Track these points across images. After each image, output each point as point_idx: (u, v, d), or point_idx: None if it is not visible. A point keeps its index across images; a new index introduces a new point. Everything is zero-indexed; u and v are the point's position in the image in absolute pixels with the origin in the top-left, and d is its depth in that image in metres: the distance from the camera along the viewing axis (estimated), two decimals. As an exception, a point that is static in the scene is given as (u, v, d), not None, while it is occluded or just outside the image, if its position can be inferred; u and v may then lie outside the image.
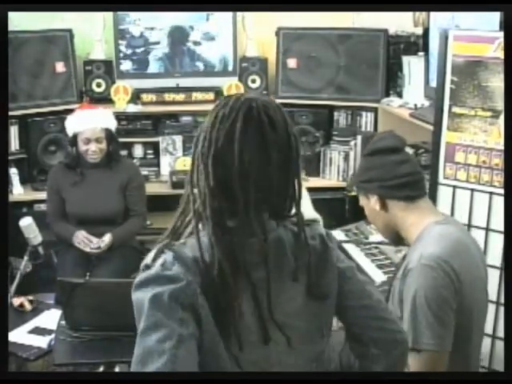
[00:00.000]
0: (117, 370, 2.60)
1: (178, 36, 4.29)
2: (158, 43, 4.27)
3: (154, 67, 4.32)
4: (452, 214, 2.83)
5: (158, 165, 4.39)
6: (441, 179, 2.89)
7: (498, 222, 2.68)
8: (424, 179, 2.15)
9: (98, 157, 3.57)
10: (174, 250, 1.34)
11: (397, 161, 2.05)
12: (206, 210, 1.34)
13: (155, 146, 4.38)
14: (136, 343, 1.27)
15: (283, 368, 1.42)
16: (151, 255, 1.34)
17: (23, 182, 4.09)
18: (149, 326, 1.26)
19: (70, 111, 3.75)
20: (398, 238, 2.13)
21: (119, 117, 4.02)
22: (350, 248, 3.32)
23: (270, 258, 1.37)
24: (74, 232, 3.52)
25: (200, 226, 1.37)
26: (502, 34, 2.63)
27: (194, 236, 1.35)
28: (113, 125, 3.65)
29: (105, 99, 4.18)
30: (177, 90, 4.28)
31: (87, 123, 3.54)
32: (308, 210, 3.38)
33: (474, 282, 2.01)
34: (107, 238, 3.51)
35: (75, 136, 3.56)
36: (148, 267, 1.32)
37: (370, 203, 2.09)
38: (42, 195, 3.85)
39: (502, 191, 2.63)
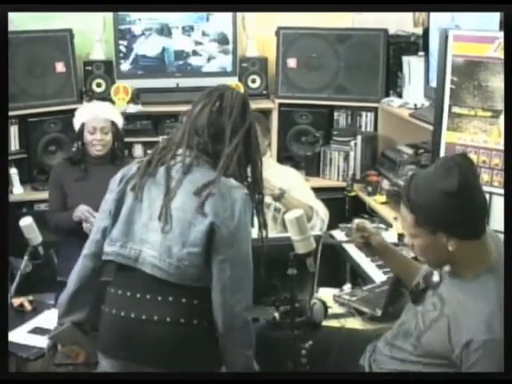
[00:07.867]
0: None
1: (178, 36, 4.29)
2: (157, 43, 4.27)
3: (154, 67, 4.31)
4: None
5: (157, 165, 4.38)
6: (441, 179, 2.89)
7: (498, 222, 2.68)
8: None
9: (103, 149, 3.56)
10: None
11: (481, 201, 1.89)
12: None
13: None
14: None
15: None
16: None
17: (23, 182, 4.08)
18: None
19: (71, 111, 3.75)
20: (441, 266, 1.99)
21: (119, 117, 4.02)
22: (350, 248, 3.31)
23: None
24: (73, 211, 3.44)
25: None
26: (501, 34, 2.63)
27: None
28: (119, 121, 3.65)
29: (105, 99, 4.17)
30: (177, 89, 4.28)
31: (94, 113, 3.56)
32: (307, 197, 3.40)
33: None
34: None
35: (82, 127, 3.56)
36: None
37: (436, 239, 1.88)
38: (42, 195, 3.85)
39: (501, 191, 2.63)
